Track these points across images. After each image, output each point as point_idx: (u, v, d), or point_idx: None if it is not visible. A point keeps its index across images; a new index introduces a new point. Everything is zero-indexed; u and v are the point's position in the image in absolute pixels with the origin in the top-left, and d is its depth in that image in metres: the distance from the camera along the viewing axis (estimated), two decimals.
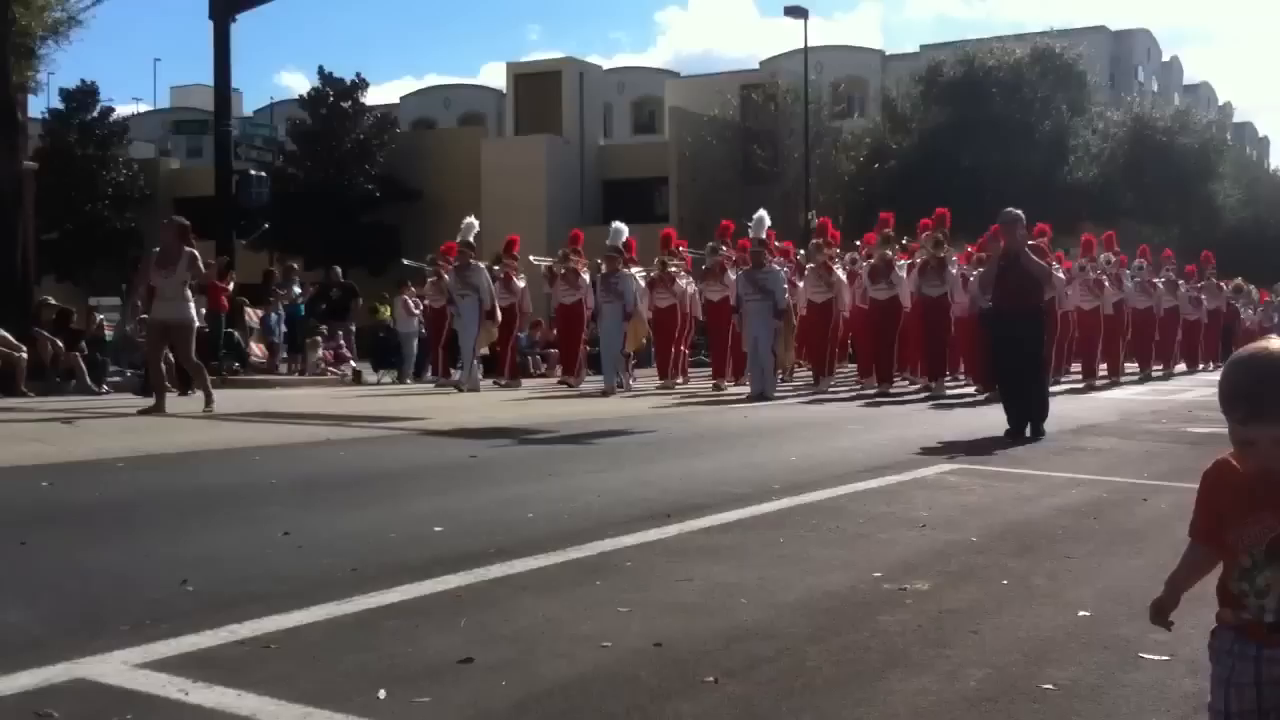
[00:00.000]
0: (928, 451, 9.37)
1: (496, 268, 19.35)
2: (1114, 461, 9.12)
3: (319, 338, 21.88)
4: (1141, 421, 12.84)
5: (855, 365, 20.56)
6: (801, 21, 38.85)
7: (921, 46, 54.80)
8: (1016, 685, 3.44)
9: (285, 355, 21.83)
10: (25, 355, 16.11)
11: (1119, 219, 41.46)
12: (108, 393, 16.44)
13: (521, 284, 19.86)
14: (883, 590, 4.57)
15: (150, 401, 12.93)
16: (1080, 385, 19.20)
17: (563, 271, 19.08)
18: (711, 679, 3.41)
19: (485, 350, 18.86)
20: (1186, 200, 44.61)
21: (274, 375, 20.52)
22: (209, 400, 12.83)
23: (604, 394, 16.88)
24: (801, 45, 39.55)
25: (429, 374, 20.94)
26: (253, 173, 22.50)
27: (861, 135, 45.01)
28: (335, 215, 42.08)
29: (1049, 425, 11.03)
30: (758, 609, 4.22)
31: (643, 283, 18.89)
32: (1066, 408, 14.76)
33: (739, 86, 47.86)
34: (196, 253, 13.02)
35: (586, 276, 19.09)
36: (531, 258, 20.57)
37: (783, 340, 16.86)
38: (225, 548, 5.28)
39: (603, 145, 50.54)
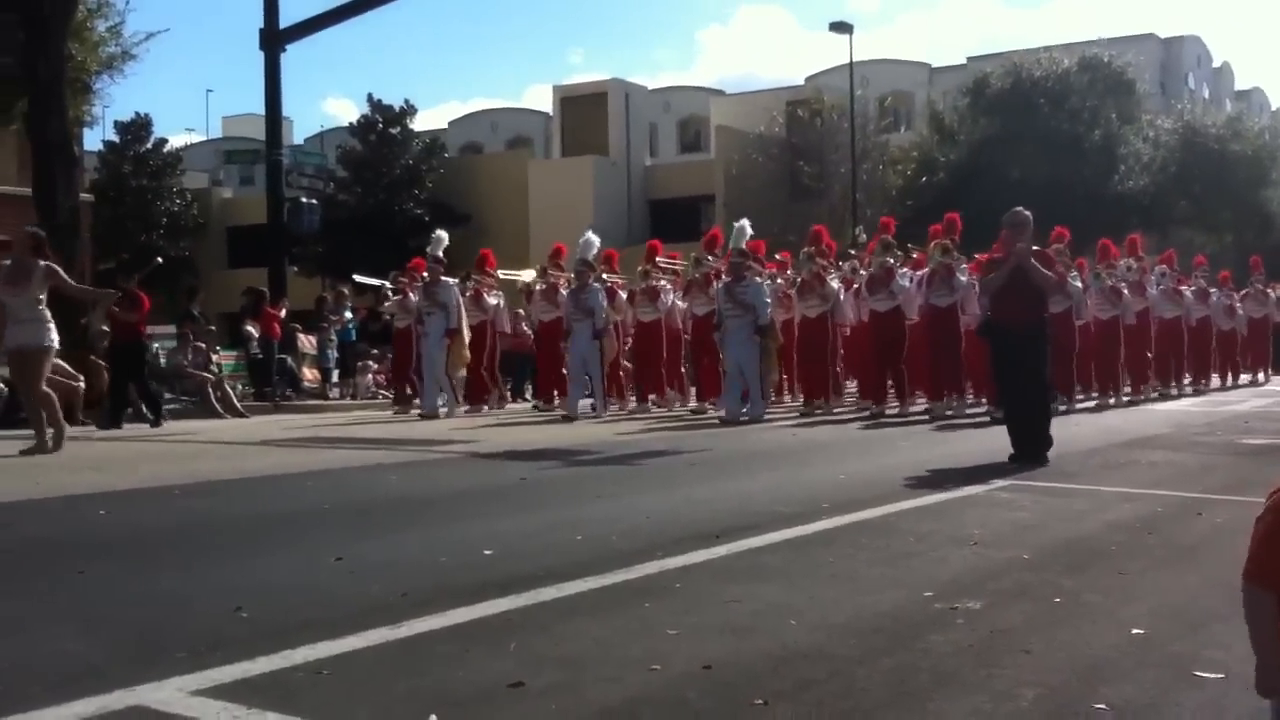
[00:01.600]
0: (977, 468, 9.29)
1: (469, 283, 18.30)
2: (1168, 475, 9.01)
3: (370, 362, 22.06)
4: (1195, 434, 12.67)
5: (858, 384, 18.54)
6: (846, 37, 38.85)
7: (968, 59, 54.44)
8: (1070, 705, 3.41)
9: (337, 380, 22.02)
10: (83, 384, 16.35)
11: (1171, 228, 41.06)
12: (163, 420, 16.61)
13: (494, 301, 18.55)
14: (934, 610, 4.54)
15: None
16: (1096, 402, 17.59)
17: (542, 287, 18.21)
18: (761, 701, 3.40)
19: (463, 372, 17.58)
20: (1239, 208, 44.06)
21: (326, 400, 20.70)
22: (42, 440, 10.99)
23: (565, 419, 15.94)
24: (846, 60, 39.50)
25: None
26: (304, 200, 22.79)
27: (908, 149, 44.84)
28: (385, 241, 42.45)
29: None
30: (807, 630, 4.21)
31: (624, 296, 18.18)
32: (1115, 421, 14.62)
33: (784, 103, 47.83)
34: (56, 266, 11.43)
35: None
36: (501, 273, 19.60)
37: (768, 359, 15.59)
38: (279, 574, 5.33)
39: (649, 165, 50.72)
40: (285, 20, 21.26)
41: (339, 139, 49.42)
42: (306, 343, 21.79)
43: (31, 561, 5.74)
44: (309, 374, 21.61)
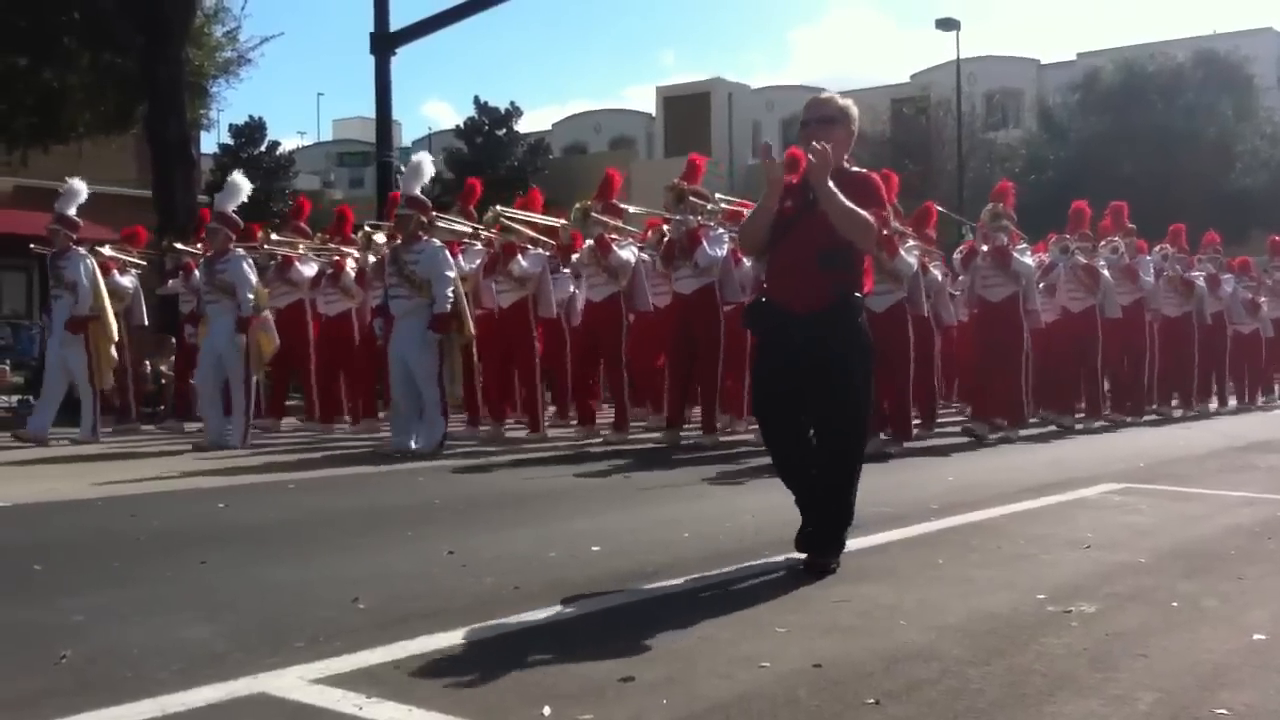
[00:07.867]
0: (1089, 472, 9.13)
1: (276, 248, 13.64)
2: None
3: None
4: None
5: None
6: (951, 34, 38.37)
7: (1078, 55, 53.34)
8: (1189, 710, 3.35)
9: None
10: None
11: None
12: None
13: (309, 272, 13.71)
14: (1047, 612, 4.48)
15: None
16: (1078, 424, 13.91)
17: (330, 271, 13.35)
18: (873, 701, 3.39)
19: (109, 384, 12.69)
20: None
21: None
22: None
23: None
24: (948, 58, 39.07)
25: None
26: None
27: (1017, 146, 44.13)
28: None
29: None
30: (918, 630, 4.18)
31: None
32: (1227, 426, 14.23)
33: (888, 101, 47.37)
34: None
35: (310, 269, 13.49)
36: (319, 237, 14.51)
37: (449, 362, 10.93)
38: (393, 566, 5.44)
39: (752, 164, 50.50)
40: (395, 24, 21.58)
41: (445, 141, 50.04)
42: None
43: (156, 551, 5.93)
44: None
